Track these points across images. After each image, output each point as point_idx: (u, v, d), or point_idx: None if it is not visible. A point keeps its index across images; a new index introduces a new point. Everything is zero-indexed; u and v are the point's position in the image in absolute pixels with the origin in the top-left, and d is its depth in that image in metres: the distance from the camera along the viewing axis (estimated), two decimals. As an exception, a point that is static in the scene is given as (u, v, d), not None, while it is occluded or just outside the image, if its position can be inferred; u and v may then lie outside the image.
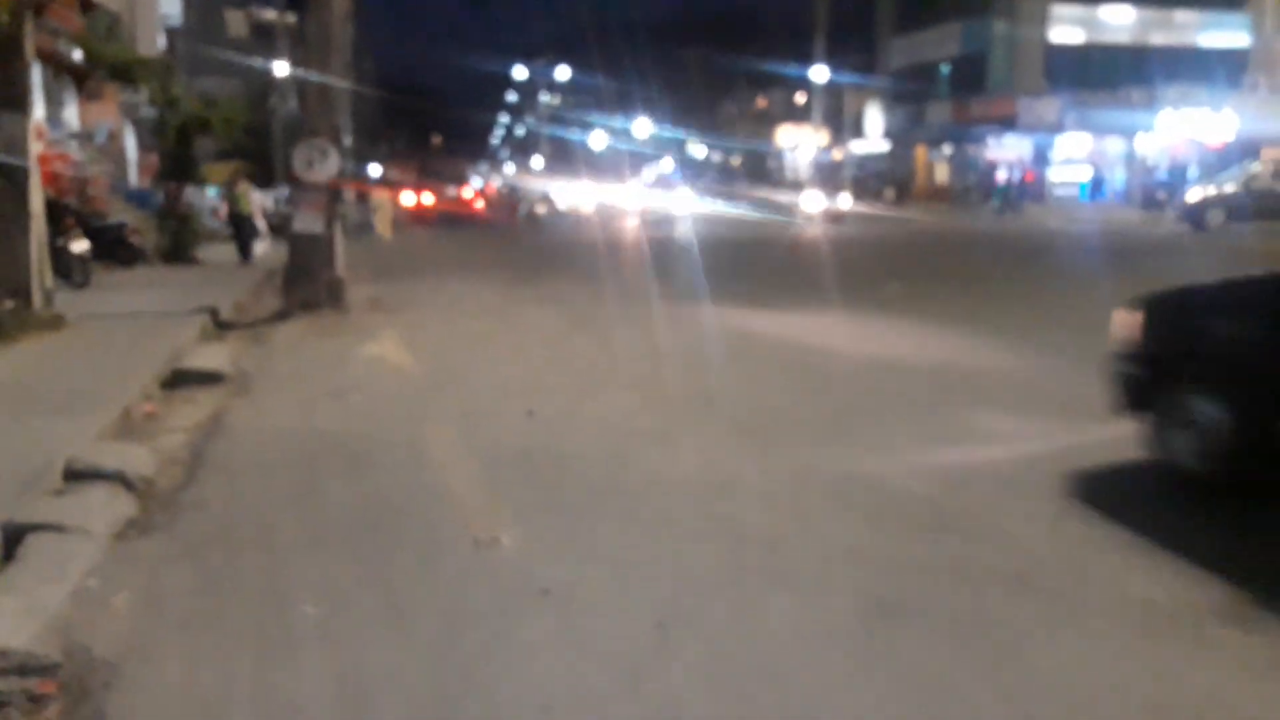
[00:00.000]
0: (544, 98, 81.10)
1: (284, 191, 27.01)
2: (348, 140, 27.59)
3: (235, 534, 4.61)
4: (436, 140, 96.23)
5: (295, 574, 4.14)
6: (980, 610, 3.65)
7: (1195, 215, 26.84)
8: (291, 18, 30.54)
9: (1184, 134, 39.95)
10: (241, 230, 19.22)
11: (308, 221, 12.30)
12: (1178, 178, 37.47)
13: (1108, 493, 5.01)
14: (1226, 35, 42.27)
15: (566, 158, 70.70)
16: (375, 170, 50.19)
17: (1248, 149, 39.13)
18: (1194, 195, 28.12)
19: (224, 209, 21.12)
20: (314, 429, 6.55)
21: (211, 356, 9.07)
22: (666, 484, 5.26)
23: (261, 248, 19.63)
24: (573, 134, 70.60)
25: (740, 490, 5.14)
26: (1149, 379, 5.28)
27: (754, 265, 19.00)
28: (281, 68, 31.17)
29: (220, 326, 11.22)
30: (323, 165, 12.21)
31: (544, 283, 15.82)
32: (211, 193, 25.39)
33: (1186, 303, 5.45)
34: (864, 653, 3.39)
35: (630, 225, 30.50)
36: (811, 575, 4.03)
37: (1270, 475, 4.70)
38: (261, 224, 20.29)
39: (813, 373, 8.30)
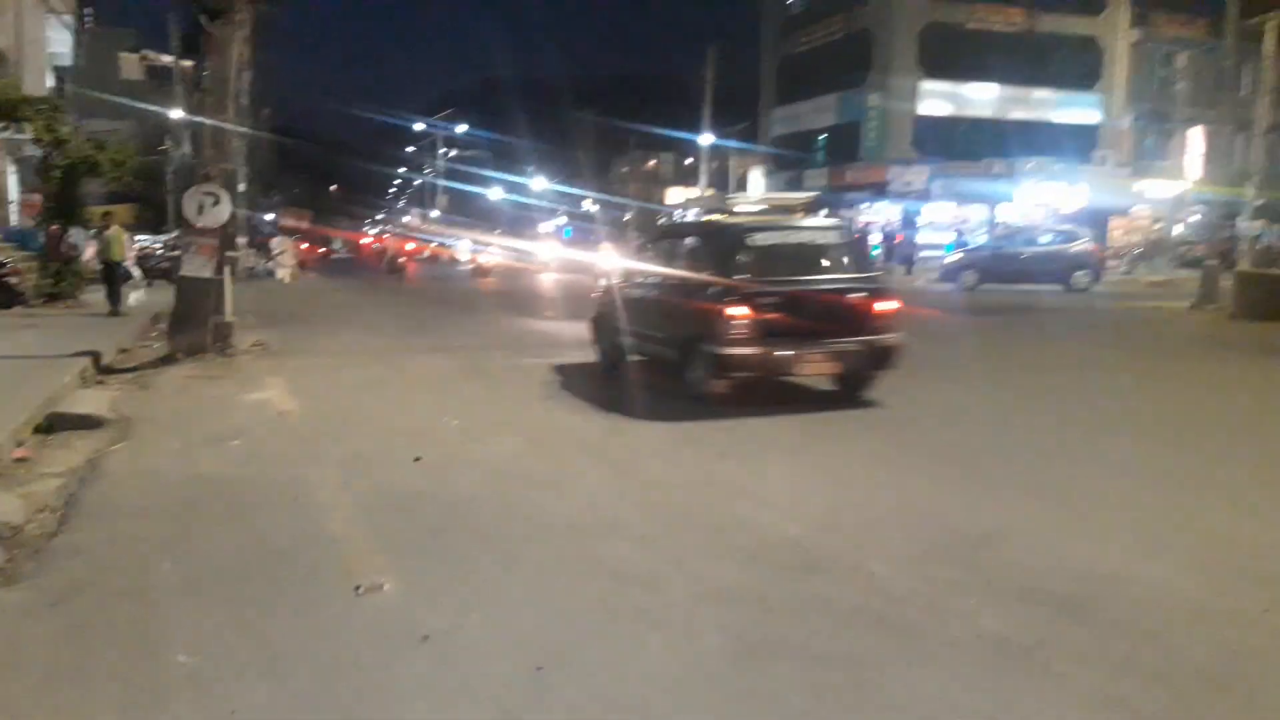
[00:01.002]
0: (442, 151, 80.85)
1: (175, 235, 26.23)
2: (242, 186, 26.98)
3: (107, 582, 4.40)
4: (334, 189, 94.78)
5: (168, 623, 3.97)
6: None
7: (950, 275, 28.77)
8: (188, 63, 29.80)
9: (1040, 202, 42.44)
10: (112, 277, 17.30)
11: (197, 266, 11.93)
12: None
13: (574, 373, 11.09)
14: (1079, 113, 45.04)
15: (464, 210, 70.57)
16: (270, 217, 49.18)
17: (1096, 216, 41.93)
18: (953, 257, 30.24)
19: (90, 253, 19.04)
20: (195, 475, 6.32)
21: (91, 401, 8.68)
22: (549, 528, 5.23)
23: (135, 295, 18.48)
24: (470, 187, 70.60)
25: (621, 532, 5.13)
26: (595, 330, 11.64)
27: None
28: (176, 112, 30.37)
29: (102, 370, 10.77)
30: (214, 210, 11.90)
31: (437, 332, 15.76)
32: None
33: (605, 297, 11.46)
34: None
35: (532, 278, 30.55)
36: (682, 616, 4.07)
37: (620, 362, 10.68)
38: (136, 271, 19.12)
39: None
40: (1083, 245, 28.18)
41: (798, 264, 9.16)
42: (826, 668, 3.59)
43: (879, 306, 8.99)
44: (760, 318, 8.54)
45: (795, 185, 49.11)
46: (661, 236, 12.25)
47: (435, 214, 74.74)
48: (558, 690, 3.40)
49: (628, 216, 63.69)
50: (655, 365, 9.99)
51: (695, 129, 45.78)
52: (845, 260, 9.38)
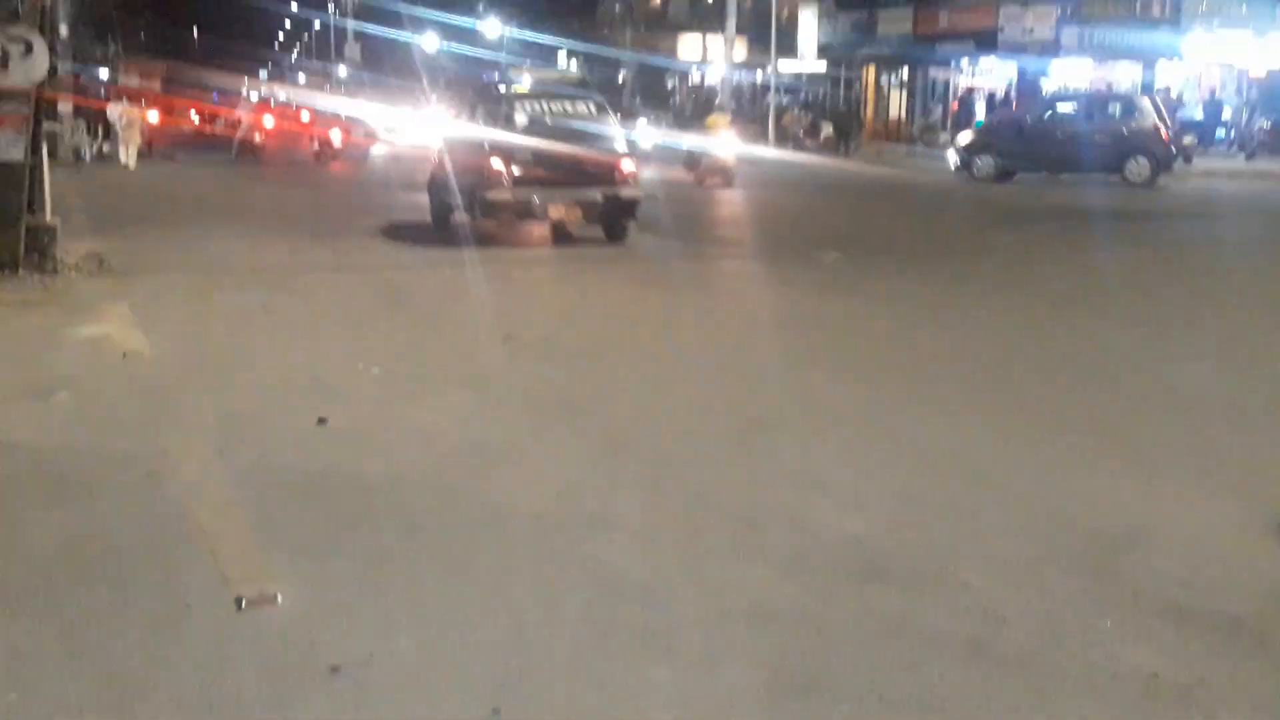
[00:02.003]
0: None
1: None
2: (64, 30, 26.45)
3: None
4: (195, 37, 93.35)
5: (-30, 648, 4.04)
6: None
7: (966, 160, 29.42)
8: None
9: (1217, 61, 41.53)
10: None
11: (2, 145, 11.84)
12: (1210, 118, 38.97)
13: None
14: (1277, -69, 43.87)
15: (386, 65, 69.22)
16: (105, 74, 48.66)
17: (1297, 84, 40.93)
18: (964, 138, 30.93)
19: None
20: (3, 441, 6.33)
21: None
22: (510, 519, 5.24)
23: None
24: (395, 33, 69.21)
25: (610, 527, 5.18)
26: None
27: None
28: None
29: None
30: (24, 65, 11.77)
31: (350, 241, 15.84)
32: None
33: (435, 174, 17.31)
34: None
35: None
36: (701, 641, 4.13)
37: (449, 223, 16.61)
38: None
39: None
40: (1141, 122, 28.07)
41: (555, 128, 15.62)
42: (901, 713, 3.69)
43: (621, 166, 15.49)
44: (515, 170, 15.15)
45: (863, 29, 48.52)
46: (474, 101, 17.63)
47: (342, 73, 73.51)
48: (522, 743, 3.47)
49: (623, 76, 62.15)
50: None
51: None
52: (595, 126, 15.99)
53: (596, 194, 14.96)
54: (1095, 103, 31.53)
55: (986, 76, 42.54)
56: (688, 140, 30.29)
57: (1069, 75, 41.13)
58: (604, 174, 15.11)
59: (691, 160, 27.49)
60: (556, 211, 15.05)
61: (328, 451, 6.21)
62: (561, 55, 65.21)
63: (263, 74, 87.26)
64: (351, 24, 75.80)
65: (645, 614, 4.29)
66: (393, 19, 68.88)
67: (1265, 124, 33.91)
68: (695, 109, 49.67)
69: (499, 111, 15.62)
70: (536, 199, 14.72)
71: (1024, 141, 28.46)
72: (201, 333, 9.51)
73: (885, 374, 8.27)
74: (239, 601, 4.30)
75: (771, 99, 45.86)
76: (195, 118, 42.03)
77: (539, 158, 14.88)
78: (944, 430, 6.87)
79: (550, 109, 15.65)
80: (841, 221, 20.29)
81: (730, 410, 7.18)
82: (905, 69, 47.30)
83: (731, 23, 46.49)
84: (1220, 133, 38.75)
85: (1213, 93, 41.49)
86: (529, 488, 5.69)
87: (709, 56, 57.43)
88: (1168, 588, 4.55)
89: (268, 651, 3.95)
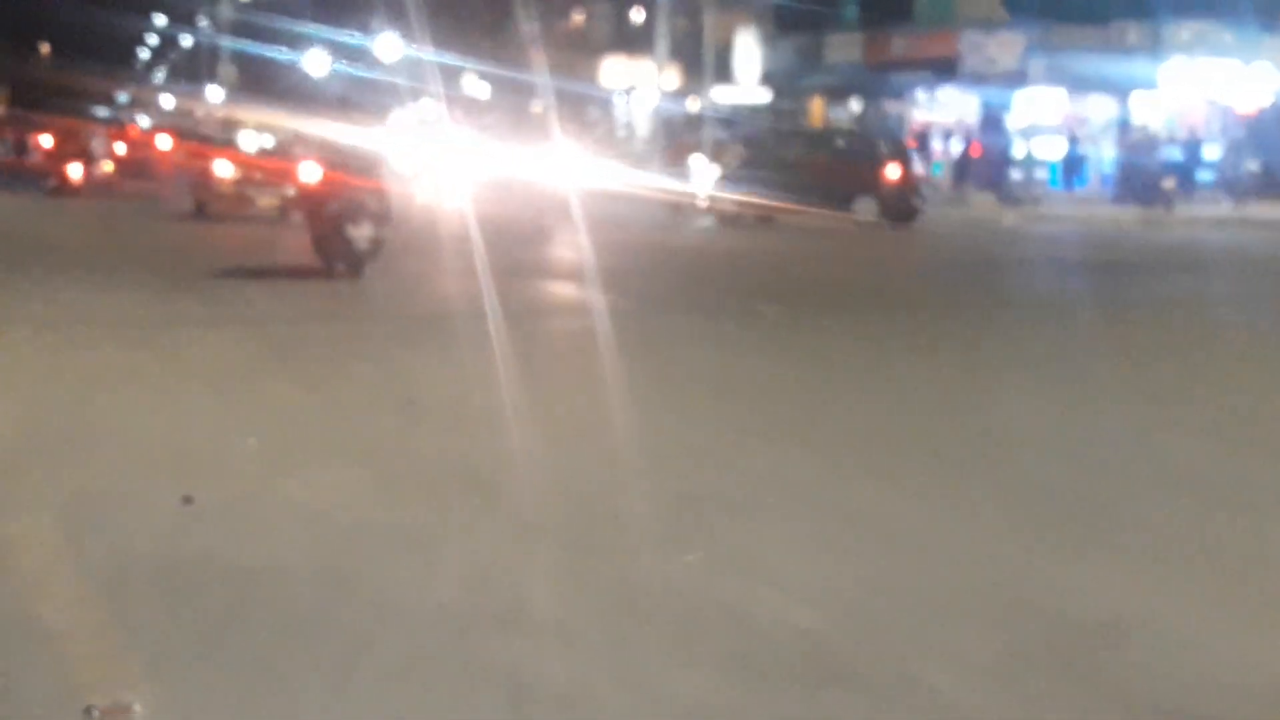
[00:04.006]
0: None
1: None
2: None
3: None
4: (44, 50, 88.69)
5: None
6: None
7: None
8: None
9: (1200, 94, 34.33)
10: None
11: None
12: (1191, 159, 33.96)
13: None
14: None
15: (268, 89, 64.11)
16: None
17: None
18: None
19: None
20: None
21: None
22: (410, 615, 4.51)
23: None
24: (276, 53, 64.91)
25: (524, 625, 4.44)
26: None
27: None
28: None
29: None
30: None
31: (228, 291, 13.72)
32: None
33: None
34: None
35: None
36: None
37: None
38: None
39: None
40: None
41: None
42: None
43: (299, 170, 19.23)
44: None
45: (808, 58, 39.54)
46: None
47: (218, 95, 68.19)
48: None
49: (540, 106, 52.72)
50: None
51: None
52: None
53: (286, 191, 22.46)
54: (820, 139, 32.71)
55: (943, 110, 36.51)
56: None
57: (1036, 108, 35.74)
58: (289, 178, 21.16)
59: None
60: (265, 200, 23.18)
61: (195, 536, 5.22)
62: (468, 79, 60.32)
63: (122, 97, 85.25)
64: (229, 43, 70.54)
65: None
66: (273, 37, 64.27)
67: (1253, 166, 29.13)
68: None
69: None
70: (249, 193, 23.52)
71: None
72: (54, 397, 8.13)
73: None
74: (89, 711, 3.85)
75: (707, 132, 36.96)
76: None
77: (249, 168, 24.70)
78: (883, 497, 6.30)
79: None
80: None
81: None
82: (855, 101, 39.89)
83: (662, 46, 38.04)
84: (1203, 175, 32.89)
85: (1194, 131, 34.30)
86: (428, 578, 4.99)
87: (634, 83, 46.27)
88: (1156, 685, 4.08)
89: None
